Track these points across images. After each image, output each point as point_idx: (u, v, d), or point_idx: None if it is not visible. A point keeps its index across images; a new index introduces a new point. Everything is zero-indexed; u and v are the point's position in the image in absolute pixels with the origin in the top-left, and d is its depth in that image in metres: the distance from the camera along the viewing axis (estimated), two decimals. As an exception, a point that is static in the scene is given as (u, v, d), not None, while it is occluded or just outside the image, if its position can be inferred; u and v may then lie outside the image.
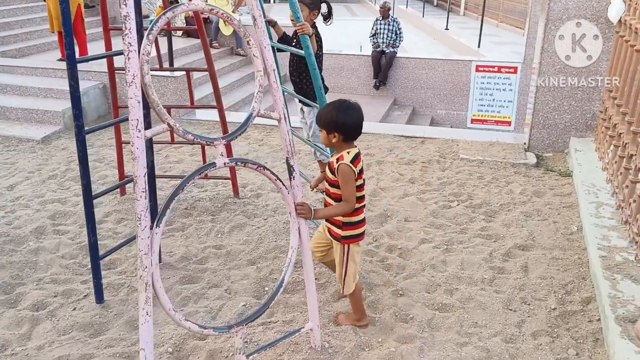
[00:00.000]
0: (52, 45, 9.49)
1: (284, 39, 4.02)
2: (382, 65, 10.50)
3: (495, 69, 9.92)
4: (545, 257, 3.79)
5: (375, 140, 6.23)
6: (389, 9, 10.67)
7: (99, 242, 4.12)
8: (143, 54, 2.20)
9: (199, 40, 10.72)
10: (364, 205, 2.85)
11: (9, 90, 7.29)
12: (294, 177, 2.71)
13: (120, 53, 3.89)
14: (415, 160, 5.57)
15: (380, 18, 10.66)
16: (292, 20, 3.54)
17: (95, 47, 8.87)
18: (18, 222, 4.32)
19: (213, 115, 6.56)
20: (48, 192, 4.89)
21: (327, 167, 2.82)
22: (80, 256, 3.88)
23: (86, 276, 3.61)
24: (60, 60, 8.50)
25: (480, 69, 9.88)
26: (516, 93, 9.73)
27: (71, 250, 3.97)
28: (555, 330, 3.06)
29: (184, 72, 6.56)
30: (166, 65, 7.80)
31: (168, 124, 2.25)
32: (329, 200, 2.83)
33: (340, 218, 2.80)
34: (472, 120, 10.21)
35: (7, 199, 4.75)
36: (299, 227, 2.75)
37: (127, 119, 4.03)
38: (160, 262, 3.81)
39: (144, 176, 2.18)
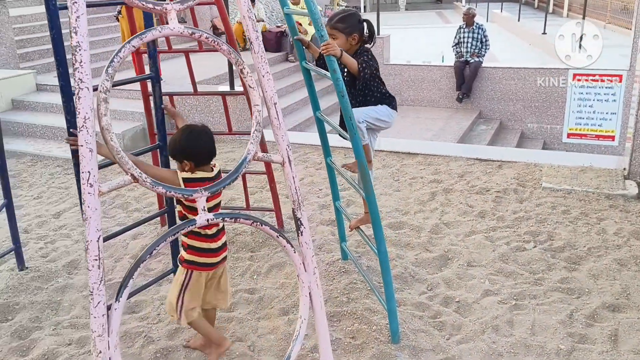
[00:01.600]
0: (126, 65, 9.55)
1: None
2: (466, 76, 9.72)
3: (596, 77, 8.90)
4: (641, 323, 3.02)
5: (446, 164, 5.56)
6: (473, 16, 9.86)
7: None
8: (100, 92, 1.82)
9: (276, 54, 10.52)
10: (216, 235, 2.62)
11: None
12: (302, 233, 2.23)
13: (135, 80, 3.65)
14: (489, 189, 4.86)
15: (464, 25, 9.88)
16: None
17: (170, 68, 8.86)
18: (54, 254, 4.16)
19: (268, 134, 6.22)
20: (92, 221, 4.72)
21: None
22: (107, 295, 3.61)
23: (106, 321, 3.33)
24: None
25: (578, 77, 8.90)
26: (621, 104, 8.64)
27: (99, 288, 3.72)
28: None
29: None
30: (225, 85, 7.60)
31: (132, 176, 1.85)
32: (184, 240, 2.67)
33: (186, 240, 2.63)
34: (569, 135, 9.19)
35: (51, 228, 4.63)
36: (310, 293, 2.26)
37: (156, 147, 3.74)
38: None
39: (97, 241, 1.79)
